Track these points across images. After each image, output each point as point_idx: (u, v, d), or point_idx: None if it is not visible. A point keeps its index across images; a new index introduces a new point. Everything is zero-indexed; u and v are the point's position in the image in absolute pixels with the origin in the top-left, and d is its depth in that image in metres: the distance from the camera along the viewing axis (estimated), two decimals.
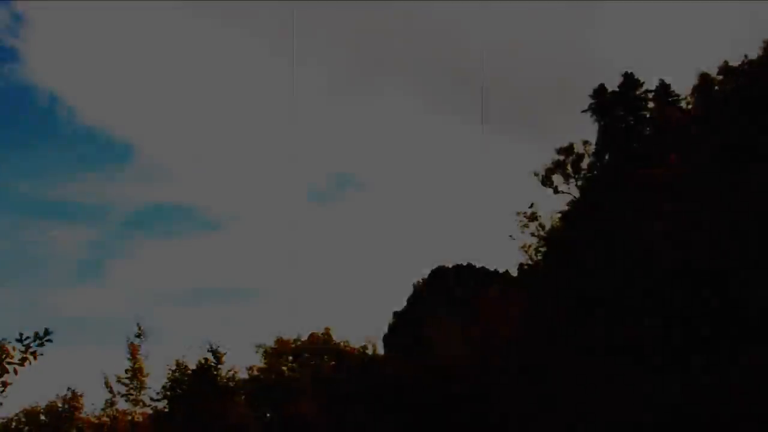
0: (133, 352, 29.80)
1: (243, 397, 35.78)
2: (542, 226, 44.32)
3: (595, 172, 41.63)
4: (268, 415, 37.19)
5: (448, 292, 39.75)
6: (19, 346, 14.73)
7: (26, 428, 38.10)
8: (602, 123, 42.14)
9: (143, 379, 29.97)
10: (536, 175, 46.29)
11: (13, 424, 37.88)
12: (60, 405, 36.37)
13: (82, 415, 35.28)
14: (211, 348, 32.82)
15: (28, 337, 14.97)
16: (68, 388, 35.86)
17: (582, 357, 32.05)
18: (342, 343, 38.97)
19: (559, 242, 38.88)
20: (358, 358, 38.64)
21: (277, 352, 38.05)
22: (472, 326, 39.43)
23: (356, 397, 35.63)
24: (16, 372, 15.31)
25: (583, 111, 43.27)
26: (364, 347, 39.35)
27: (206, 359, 32.87)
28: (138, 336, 30.01)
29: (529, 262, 43.74)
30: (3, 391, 15.80)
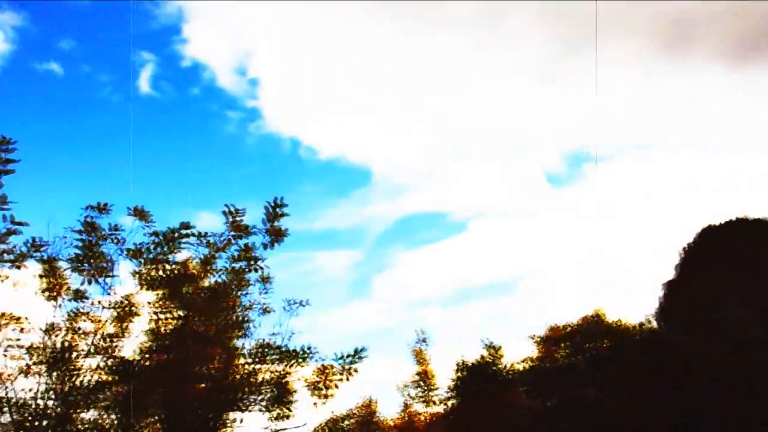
0: (418, 356, 32.04)
1: (523, 387, 36.22)
2: None
3: None
4: (548, 404, 37.14)
5: (721, 253, 36.37)
6: (337, 364, 16.55)
7: None
8: None
9: (431, 381, 32.00)
10: None
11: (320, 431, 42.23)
12: (357, 412, 39.76)
13: (378, 419, 38.25)
14: (486, 344, 34.10)
15: (343, 356, 16.76)
16: (362, 397, 39.07)
17: None
18: (615, 323, 37.61)
19: None
20: (635, 336, 37.00)
21: (550, 339, 37.89)
22: (755, 286, 35.61)
23: (639, 376, 34.11)
24: (337, 386, 17.19)
25: None
26: (641, 324, 37.53)
27: (482, 356, 34.22)
28: (419, 341, 32.23)
29: None
30: (324, 403, 17.82)
